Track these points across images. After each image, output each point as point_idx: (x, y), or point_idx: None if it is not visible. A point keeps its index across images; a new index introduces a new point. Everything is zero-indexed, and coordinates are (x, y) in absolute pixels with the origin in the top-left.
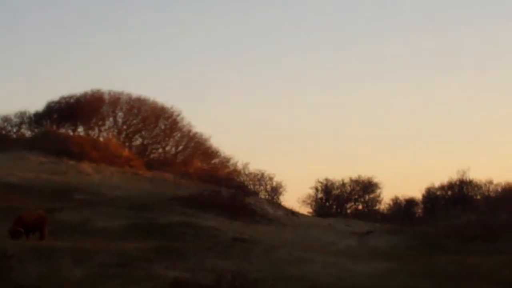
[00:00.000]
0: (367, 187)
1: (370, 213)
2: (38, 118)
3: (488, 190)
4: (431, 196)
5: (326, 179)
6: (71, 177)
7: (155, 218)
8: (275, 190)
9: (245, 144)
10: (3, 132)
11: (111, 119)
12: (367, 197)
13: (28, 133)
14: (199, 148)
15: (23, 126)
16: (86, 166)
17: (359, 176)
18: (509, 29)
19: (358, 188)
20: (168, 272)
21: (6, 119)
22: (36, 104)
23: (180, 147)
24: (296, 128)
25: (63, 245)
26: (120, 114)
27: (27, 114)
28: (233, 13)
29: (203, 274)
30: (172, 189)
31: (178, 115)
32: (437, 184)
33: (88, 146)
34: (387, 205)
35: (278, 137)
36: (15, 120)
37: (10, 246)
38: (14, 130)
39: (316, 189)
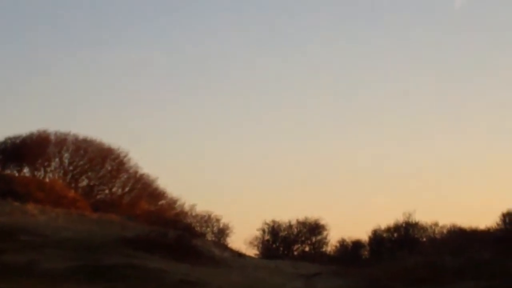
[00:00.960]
0: (314, 228)
1: (317, 255)
2: None
3: (434, 232)
4: (377, 238)
5: (273, 221)
6: (16, 218)
7: (101, 260)
8: (222, 232)
9: (192, 186)
10: None
11: (57, 159)
12: (314, 239)
13: None
14: (146, 189)
15: None
16: (31, 207)
17: (306, 218)
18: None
19: (305, 230)
20: None
21: None
22: None
23: (127, 188)
24: (243, 170)
25: (8, 287)
26: (66, 154)
27: None
28: (172, 46)
29: None
30: (118, 231)
31: (125, 156)
32: (383, 226)
33: (34, 187)
34: (333, 247)
35: (225, 178)
36: None
37: None
38: None
39: (263, 230)
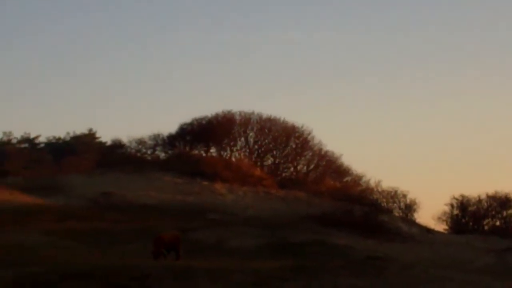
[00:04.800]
0: (504, 203)
1: (509, 230)
2: (171, 140)
3: None
4: None
5: (462, 196)
6: (205, 198)
7: (288, 237)
8: (409, 207)
9: (377, 161)
10: (138, 154)
11: (242, 139)
12: (505, 213)
13: (162, 155)
14: (330, 166)
15: (157, 148)
16: (219, 186)
17: (496, 192)
18: None
19: (495, 204)
20: None
21: (141, 141)
22: (169, 126)
23: (312, 166)
24: (429, 143)
25: (199, 264)
26: (251, 134)
27: (161, 137)
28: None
29: None
30: (304, 208)
31: (309, 134)
32: None
33: (221, 166)
34: None
35: (411, 153)
36: (150, 142)
37: (147, 266)
38: (149, 152)
39: (451, 205)
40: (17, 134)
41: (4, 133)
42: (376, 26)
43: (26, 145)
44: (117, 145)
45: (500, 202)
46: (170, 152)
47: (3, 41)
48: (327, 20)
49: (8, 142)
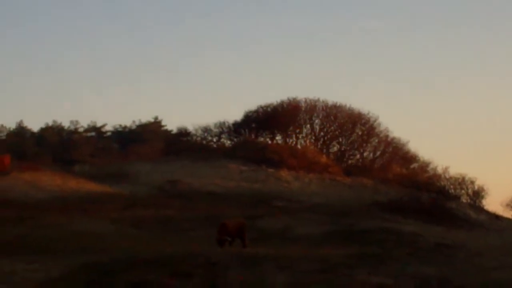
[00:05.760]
0: None
1: None
2: (236, 128)
3: None
4: None
5: None
6: (271, 185)
7: (355, 224)
8: (477, 194)
9: (445, 148)
10: (204, 142)
11: (308, 126)
12: None
13: (227, 143)
14: (397, 153)
15: (223, 135)
16: (285, 174)
17: None
18: None
19: None
20: (371, 278)
21: (206, 129)
22: (234, 114)
23: (378, 153)
24: (498, 129)
25: (266, 252)
26: (316, 121)
27: (226, 124)
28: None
29: (406, 280)
30: (371, 195)
31: (375, 120)
32: None
33: (286, 153)
34: None
35: (479, 139)
36: (215, 130)
37: (214, 253)
38: (214, 140)
39: None
40: (84, 123)
41: (71, 122)
42: (448, 16)
43: (93, 133)
44: (183, 133)
45: None
46: (235, 139)
47: (81, 32)
48: (399, 8)
49: (75, 131)
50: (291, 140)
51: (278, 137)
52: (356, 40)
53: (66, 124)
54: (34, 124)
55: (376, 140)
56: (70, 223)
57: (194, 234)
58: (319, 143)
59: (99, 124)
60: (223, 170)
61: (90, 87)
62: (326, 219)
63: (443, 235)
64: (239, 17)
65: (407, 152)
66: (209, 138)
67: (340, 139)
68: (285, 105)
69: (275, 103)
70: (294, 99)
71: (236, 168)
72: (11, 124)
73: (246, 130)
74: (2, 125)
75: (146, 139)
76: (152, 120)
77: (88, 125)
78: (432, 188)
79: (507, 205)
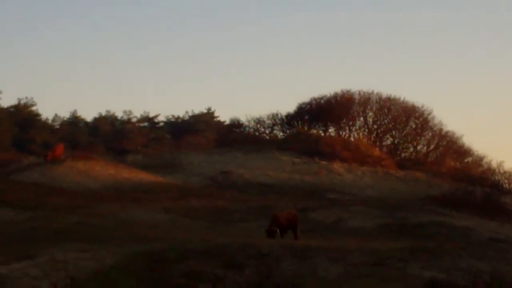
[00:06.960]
0: None
1: None
2: (289, 120)
3: None
4: None
5: None
6: (323, 177)
7: (407, 218)
8: None
9: (500, 142)
10: (257, 133)
11: (361, 119)
12: None
13: (280, 134)
14: (451, 147)
15: (275, 127)
16: (337, 166)
17: None
18: None
19: None
20: (423, 272)
21: (259, 121)
22: (287, 105)
23: (432, 146)
24: None
25: (318, 244)
26: (370, 113)
27: (279, 116)
28: None
29: (459, 275)
30: (424, 189)
31: (429, 114)
32: None
33: (339, 146)
34: None
35: None
36: (268, 122)
37: (266, 244)
38: (267, 131)
39: None
40: (137, 113)
41: (125, 112)
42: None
43: (146, 124)
44: (236, 125)
45: None
46: (288, 131)
47: (127, 26)
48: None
49: (128, 121)
50: (344, 133)
51: (331, 130)
52: (411, 32)
53: (119, 114)
54: (88, 114)
55: (430, 134)
56: (123, 212)
57: (245, 225)
58: (372, 136)
59: (152, 115)
60: (275, 162)
61: (143, 77)
62: (378, 212)
63: (497, 230)
64: (294, 11)
65: (461, 146)
66: (262, 129)
67: (394, 132)
68: (338, 97)
69: (328, 95)
70: (348, 91)
71: (288, 160)
72: (65, 114)
73: (299, 122)
74: (56, 115)
75: (199, 130)
76: (205, 111)
77: (141, 115)
78: (486, 182)
79: None
